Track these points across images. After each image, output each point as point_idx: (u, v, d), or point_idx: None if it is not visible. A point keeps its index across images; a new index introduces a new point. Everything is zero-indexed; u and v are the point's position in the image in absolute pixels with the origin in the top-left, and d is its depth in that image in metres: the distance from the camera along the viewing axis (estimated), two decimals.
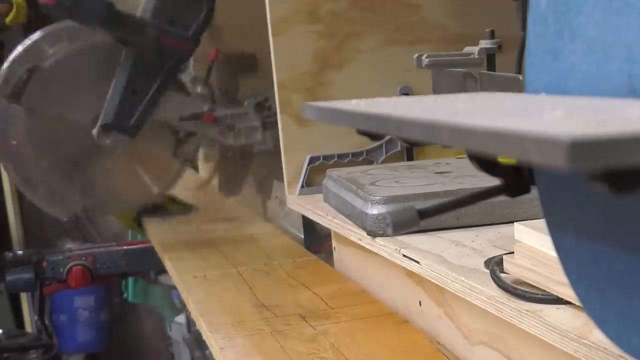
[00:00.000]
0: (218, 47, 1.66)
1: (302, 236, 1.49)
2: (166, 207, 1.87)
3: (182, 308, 2.10)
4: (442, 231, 0.95)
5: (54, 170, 1.67)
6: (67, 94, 1.59)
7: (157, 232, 1.71)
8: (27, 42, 1.57)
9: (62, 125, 1.62)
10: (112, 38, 1.50)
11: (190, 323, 2.00)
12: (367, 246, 1.00)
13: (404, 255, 0.89)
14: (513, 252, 0.72)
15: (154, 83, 1.49)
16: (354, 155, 1.33)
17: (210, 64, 1.64)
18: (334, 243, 1.24)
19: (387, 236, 0.96)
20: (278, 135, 1.33)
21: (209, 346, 0.98)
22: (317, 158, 1.32)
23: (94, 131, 1.51)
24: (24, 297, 3.09)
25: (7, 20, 1.47)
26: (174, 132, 1.69)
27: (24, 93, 1.56)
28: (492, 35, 1.02)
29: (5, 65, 1.56)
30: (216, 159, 1.78)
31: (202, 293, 1.17)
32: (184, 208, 1.87)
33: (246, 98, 1.66)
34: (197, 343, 1.86)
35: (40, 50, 1.58)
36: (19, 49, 1.57)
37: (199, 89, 1.66)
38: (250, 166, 1.77)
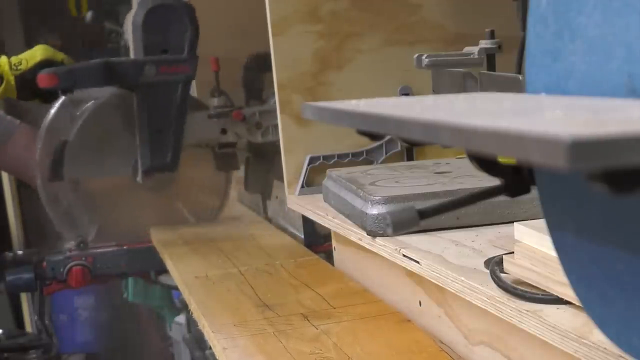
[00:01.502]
0: (218, 56, 1.69)
1: (302, 236, 1.49)
2: None
3: (182, 308, 2.10)
4: (442, 231, 0.95)
5: (79, 197, 1.70)
6: (99, 156, 1.63)
7: (157, 231, 1.71)
8: (47, 118, 1.61)
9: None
10: (117, 88, 1.55)
11: (190, 323, 1.99)
12: (367, 246, 1.00)
13: (404, 255, 0.89)
14: (513, 252, 0.72)
15: (172, 114, 1.53)
16: (354, 155, 1.33)
17: (215, 73, 1.67)
18: (334, 243, 1.24)
19: (387, 236, 0.96)
20: None
21: (212, 346, 0.98)
22: (317, 158, 1.32)
23: (138, 178, 1.57)
24: (24, 297, 3.09)
25: None
26: (208, 148, 1.71)
27: (62, 170, 1.61)
28: (492, 35, 1.02)
29: (38, 145, 1.62)
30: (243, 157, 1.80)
31: (204, 293, 1.17)
32: None
33: (272, 96, 1.68)
34: (197, 343, 1.86)
35: (63, 121, 1.62)
36: (42, 131, 1.61)
37: (216, 101, 1.68)
38: (276, 164, 1.79)
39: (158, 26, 1.50)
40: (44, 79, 1.46)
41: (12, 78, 1.52)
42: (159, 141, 1.54)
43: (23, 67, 1.52)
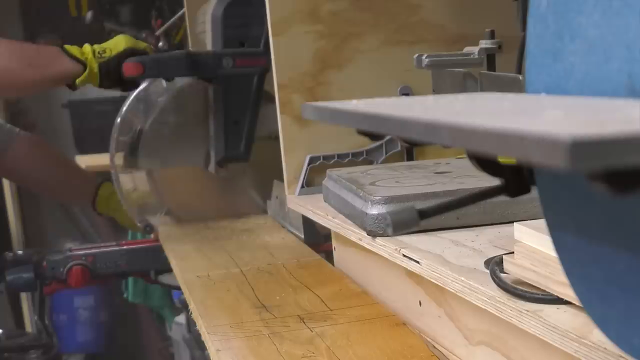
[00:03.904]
0: None
1: (302, 236, 1.49)
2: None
3: (182, 308, 2.10)
4: (442, 231, 0.95)
5: (154, 184, 1.73)
6: (174, 146, 1.66)
7: (164, 229, 1.71)
8: (122, 111, 1.63)
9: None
10: (195, 79, 1.59)
11: (190, 323, 2.00)
12: (367, 246, 1.00)
13: (404, 255, 0.89)
14: (513, 252, 0.72)
15: (248, 106, 1.57)
16: (354, 155, 1.33)
17: None
18: (334, 243, 1.24)
19: (387, 236, 0.96)
20: None
21: (207, 347, 0.98)
22: (317, 158, 1.32)
23: (210, 168, 1.60)
24: (24, 297, 3.09)
25: (78, 81, 1.52)
26: (277, 140, 1.73)
27: (137, 158, 1.64)
28: (492, 35, 1.02)
29: (114, 134, 1.62)
30: None
31: (203, 293, 1.17)
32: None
33: None
34: (197, 343, 1.86)
35: (138, 112, 1.64)
36: (118, 119, 1.62)
37: None
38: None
39: (237, 20, 1.55)
40: (130, 68, 1.49)
41: (95, 65, 1.53)
42: (233, 132, 1.58)
43: (107, 54, 1.54)
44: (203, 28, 1.69)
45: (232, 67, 1.54)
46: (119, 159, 1.66)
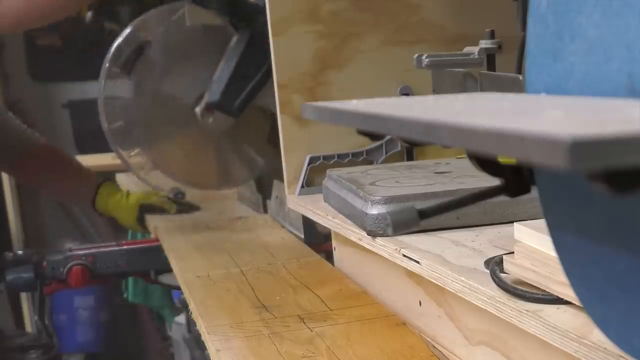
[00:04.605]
0: None
1: (302, 236, 1.49)
2: (165, 208, 1.88)
3: (182, 308, 2.10)
4: (442, 231, 0.95)
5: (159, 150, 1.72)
6: (173, 72, 1.64)
7: (163, 229, 1.71)
8: (140, 19, 1.62)
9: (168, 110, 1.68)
10: (224, 22, 1.55)
11: (190, 323, 1.99)
12: (367, 246, 1.00)
13: (404, 255, 0.89)
14: (513, 252, 0.72)
15: (262, 68, 1.53)
16: (354, 155, 1.33)
17: None
18: (334, 243, 1.24)
19: (387, 236, 0.96)
20: None
21: (207, 347, 0.98)
22: (317, 158, 1.32)
23: (197, 109, 1.57)
24: (24, 297, 3.09)
25: None
26: (269, 119, 1.69)
27: (133, 68, 1.61)
28: (492, 35, 1.02)
29: (119, 40, 1.61)
30: None
31: (203, 293, 1.17)
32: (188, 208, 1.87)
33: None
34: (197, 343, 1.86)
35: (150, 28, 1.63)
36: (131, 26, 1.61)
37: None
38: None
39: None
40: None
41: None
42: (237, 84, 1.54)
43: None
44: None
45: (264, 25, 1.53)
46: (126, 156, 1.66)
